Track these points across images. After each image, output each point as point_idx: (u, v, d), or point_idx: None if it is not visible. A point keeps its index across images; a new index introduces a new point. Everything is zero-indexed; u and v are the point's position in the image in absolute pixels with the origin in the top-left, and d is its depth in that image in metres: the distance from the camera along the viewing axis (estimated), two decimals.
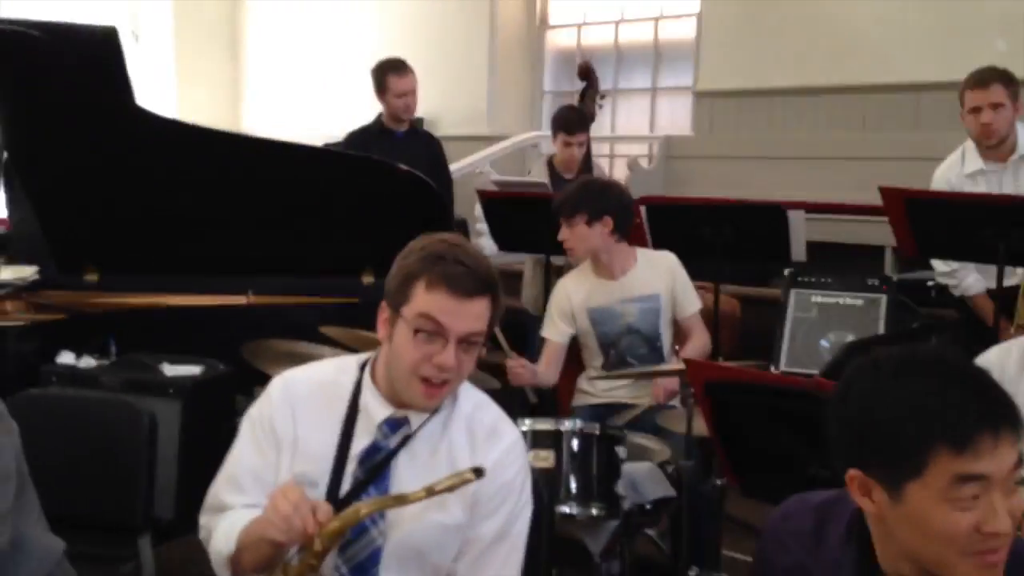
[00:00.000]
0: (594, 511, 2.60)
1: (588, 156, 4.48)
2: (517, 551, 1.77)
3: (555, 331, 3.34)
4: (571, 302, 3.33)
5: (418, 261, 1.69)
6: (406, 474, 1.74)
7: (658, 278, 3.33)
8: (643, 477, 2.70)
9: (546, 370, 3.32)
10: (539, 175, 4.48)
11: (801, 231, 3.77)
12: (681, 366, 2.71)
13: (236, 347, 3.07)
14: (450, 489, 1.56)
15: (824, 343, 4.26)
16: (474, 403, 1.82)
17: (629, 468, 2.67)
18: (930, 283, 5.10)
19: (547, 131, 8.00)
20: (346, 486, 1.74)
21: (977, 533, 1.18)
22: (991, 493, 1.19)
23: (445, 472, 1.70)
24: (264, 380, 2.91)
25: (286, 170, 3.86)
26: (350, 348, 3.07)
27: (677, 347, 3.23)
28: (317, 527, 1.55)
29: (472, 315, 1.67)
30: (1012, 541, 1.21)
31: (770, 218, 3.74)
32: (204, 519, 1.82)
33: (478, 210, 6.06)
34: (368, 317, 3.78)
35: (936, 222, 3.09)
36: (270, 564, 1.70)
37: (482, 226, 6.11)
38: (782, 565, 1.45)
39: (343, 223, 3.99)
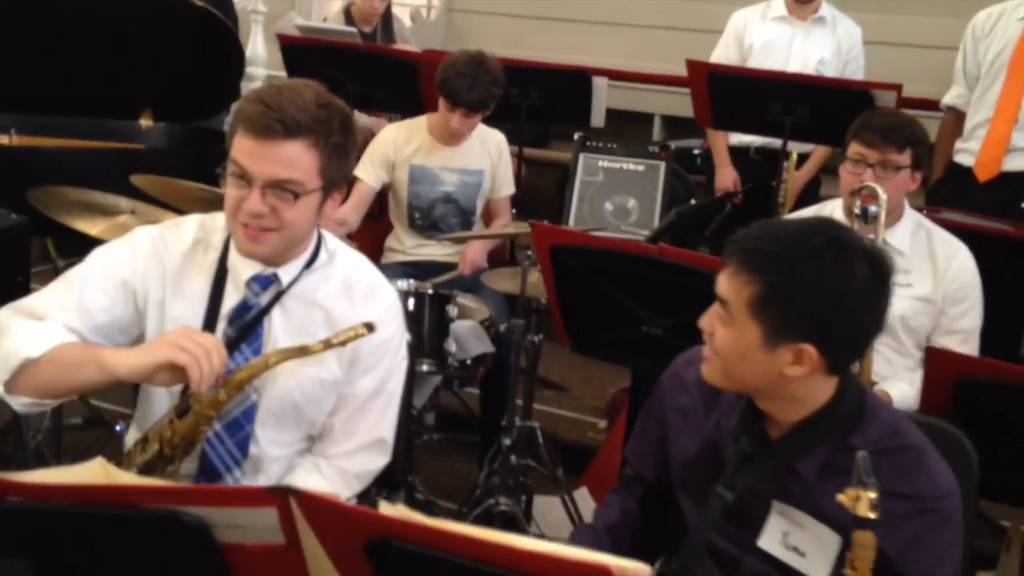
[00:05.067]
0: (424, 367, 2.67)
1: (388, 8, 4.32)
2: (392, 406, 1.80)
3: (370, 175, 3.27)
4: (396, 153, 3.28)
5: (238, 105, 1.63)
6: (280, 331, 1.70)
7: (486, 155, 3.34)
8: (467, 334, 2.78)
9: (351, 212, 3.24)
10: (336, 22, 4.28)
11: (603, 98, 3.92)
12: (520, 229, 2.79)
13: (15, 194, 2.80)
14: (344, 343, 1.57)
15: (608, 206, 4.51)
16: (352, 263, 1.79)
17: (455, 326, 2.74)
18: (695, 151, 5.49)
19: None
20: None
21: None
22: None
23: (321, 329, 1.70)
24: (59, 229, 2.76)
25: None
26: (156, 200, 2.89)
27: None
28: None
29: (277, 159, 1.56)
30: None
31: (575, 83, 3.84)
32: (6, 314, 1.65)
33: (251, 51, 5.74)
34: (163, 164, 3.58)
35: (733, 95, 3.31)
36: (66, 391, 1.61)
37: (255, 70, 5.80)
38: (676, 403, 1.60)
39: (123, 60, 3.64)
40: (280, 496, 0.92)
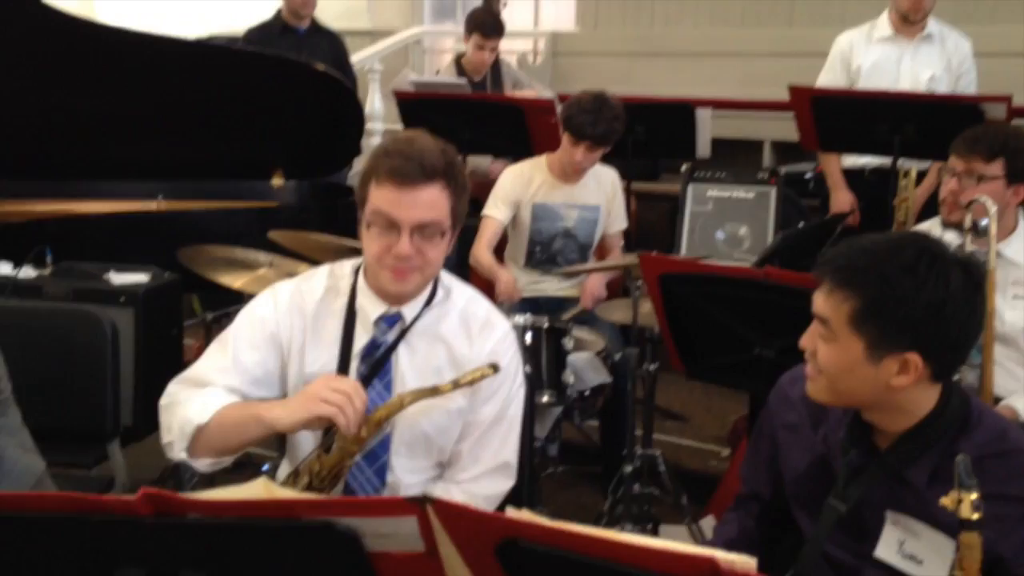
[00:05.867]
0: (545, 399, 2.78)
1: (497, 58, 4.53)
2: (514, 431, 1.91)
3: (501, 212, 3.44)
4: (523, 192, 3.44)
5: (370, 160, 1.77)
6: (407, 366, 1.84)
7: (601, 192, 3.49)
8: (584, 365, 2.89)
9: (486, 250, 3.41)
10: (447, 74, 4.50)
11: (707, 129, 3.99)
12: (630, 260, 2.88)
13: (166, 254, 3.07)
14: (472, 382, 1.69)
15: (720, 234, 4.55)
16: (467, 297, 1.92)
17: (572, 358, 2.85)
18: (807, 175, 5.47)
19: (429, 25, 7.95)
20: None
21: None
22: None
23: (444, 362, 1.84)
24: (205, 285, 3.00)
25: (198, 70, 3.76)
26: (291, 252, 3.10)
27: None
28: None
29: (421, 204, 1.72)
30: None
31: (679, 116, 3.93)
32: (175, 387, 1.84)
33: (370, 107, 6.04)
34: (295, 219, 3.83)
35: (838, 117, 3.34)
36: (237, 448, 1.78)
37: (374, 125, 6.10)
38: (784, 421, 1.66)
39: (255, 125, 3.95)
40: (418, 505, 1.05)
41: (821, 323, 1.48)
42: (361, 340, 1.85)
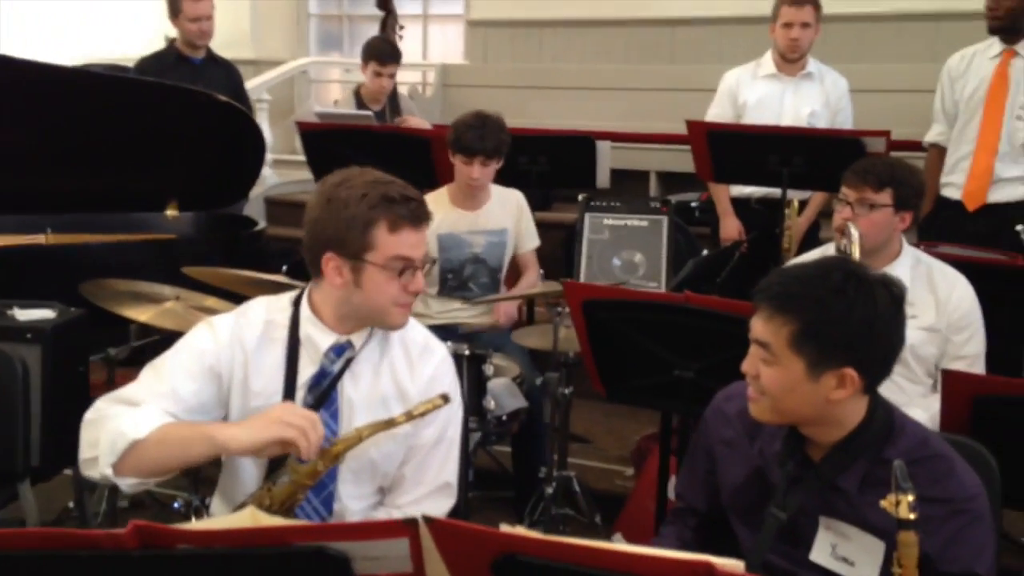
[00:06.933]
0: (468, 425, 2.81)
1: (395, 87, 4.58)
2: (453, 451, 1.96)
3: None
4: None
5: (368, 208, 1.76)
6: (353, 395, 1.86)
7: (508, 214, 3.55)
8: (502, 391, 2.94)
9: None
10: (346, 105, 4.52)
11: (607, 160, 4.13)
12: (548, 289, 2.96)
13: (66, 289, 2.97)
14: (424, 414, 1.73)
15: (616, 261, 4.69)
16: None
17: (491, 384, 2.90)
18: (693, 204, 5.70)
19: (316, 56, 7.92)
20: None
21: None
22: None
23: (388, 387, 1.88)
24: (112, 320, 2.91)
25: (90, 100, 3.66)
26: (199, 285, 3.04)
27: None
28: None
29: (425, 240, 1.84)
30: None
31: (580, 148, 4.06)
32: (105, 403, 1.79)
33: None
34: (195, 251, 3.74)
35: (732, 150, 3.52)
36: (172, 469, 1.75)
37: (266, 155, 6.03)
38: (720, 436, 1.75)
39: (152, 156, 3.86)
40: (411, 526, 1.07)
41: (762, 347, 1.58)
42: (307, 371, 1.86)
